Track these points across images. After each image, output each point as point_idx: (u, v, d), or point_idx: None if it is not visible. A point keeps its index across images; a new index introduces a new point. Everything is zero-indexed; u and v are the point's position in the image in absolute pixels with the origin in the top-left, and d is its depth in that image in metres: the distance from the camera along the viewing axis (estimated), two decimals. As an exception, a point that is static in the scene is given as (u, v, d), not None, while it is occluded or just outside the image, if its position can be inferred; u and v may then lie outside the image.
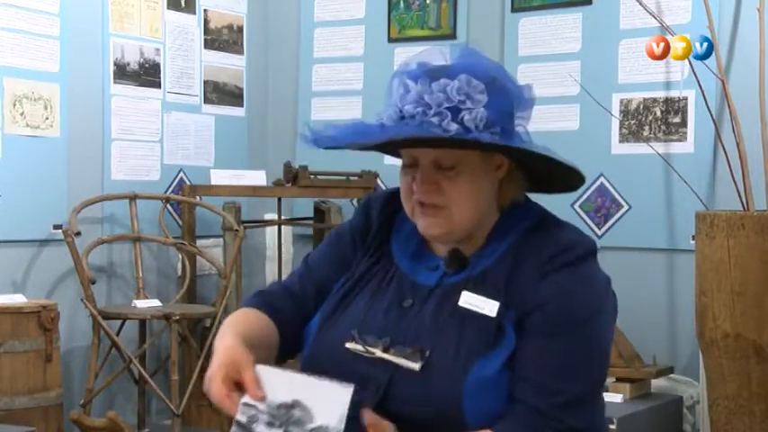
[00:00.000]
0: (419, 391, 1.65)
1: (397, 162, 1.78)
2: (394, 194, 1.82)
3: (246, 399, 1.58)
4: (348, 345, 1.72)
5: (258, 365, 1.62)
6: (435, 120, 1.62)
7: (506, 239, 1.72)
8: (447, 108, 1.62)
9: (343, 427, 1.55)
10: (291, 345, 1.83)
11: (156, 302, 4.31)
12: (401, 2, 4.97)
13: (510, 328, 1.65)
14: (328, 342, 1.75)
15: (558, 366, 1.63)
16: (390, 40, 4.99)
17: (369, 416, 1.60)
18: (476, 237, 1.75)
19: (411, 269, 1.78)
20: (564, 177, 1.76)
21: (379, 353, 1.68)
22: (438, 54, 1.71)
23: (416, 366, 1.65)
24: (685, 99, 4.28)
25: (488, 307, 1.66)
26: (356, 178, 4.70)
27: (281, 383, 1.59)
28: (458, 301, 1.69)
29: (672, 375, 4.21)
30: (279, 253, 4.85)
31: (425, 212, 1.71)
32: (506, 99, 1.68)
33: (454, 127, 1.62)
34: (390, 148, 1.81)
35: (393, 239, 1.83)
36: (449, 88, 1.63)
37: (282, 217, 4.87)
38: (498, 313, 1.65)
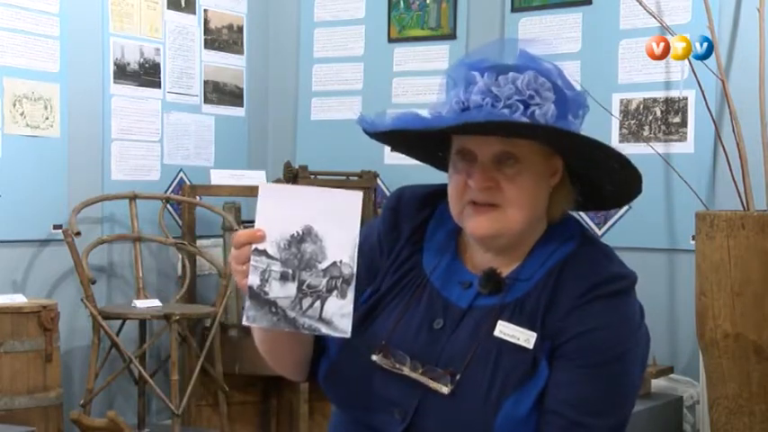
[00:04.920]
0: (448, 419, 1.60)
1: (398, 162, 1.77)
2: (426, 198, 1.75)
3: (257, 244, 1.56)
4: (375, 357, 1.66)
5: (264, 184, 1.59)
6: (506, 112, 1.55)
7: (545, 263, 1.66)
8: (518, 100, 1.56)
9: (355, 265, 1.54)
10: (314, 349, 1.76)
11: (156, 302, 4.31)
12: (401, 2, 4.97)
13: (544, 361, 1.60)
14: (354, 354, 1.68)
15: (587, 401, 1.60)
16: (390, 40, 4.99)
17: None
18: (518, 249, 1.68)
19: (442, 283, 1.71)
20: (616, 191, 1.70)
21: (407, 371, 1.63)
22: (495, 50, 1.65)
23: (445, 390, 1.60)
24: (685, 99, 4.28)
25: (524, 338, 1.61)
26: (356, 178, 4.70)
27: (291, 202, 1.55)
28: (492, 328, 1.62)
29: (672, 375, 4.20)
30: (279, 253, 4.84)
31: (478, 210, 1.63)
32: (571, 102, 1.63)
33: (525, 120, 1.55)
34: (431, 152, 1.73)
35: (425, 247, 1.75)
36: (519, 82, 1.57)
37: (282, 217, 4.87)
38: (534, 345, 1.60)
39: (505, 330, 1.62)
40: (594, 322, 1.60)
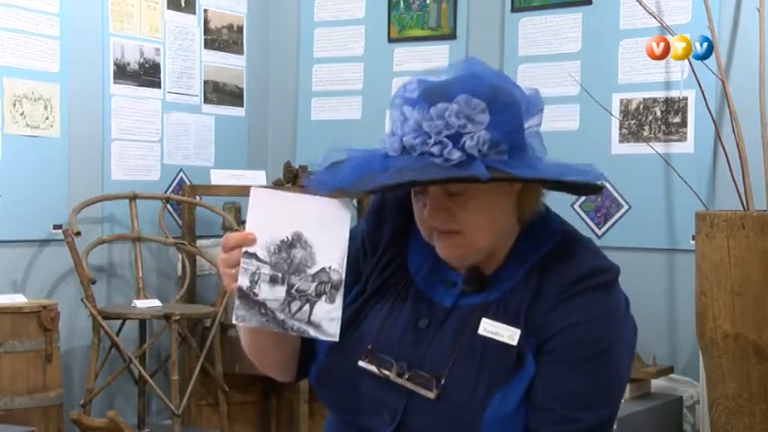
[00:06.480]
0: (436, 421, 1.61)
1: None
2: (410, 199, 1.73)
3: (247, 247, 1.58)
4: (362, 363, 1.67)
5: (255, 188, 1.61)
6: (436, 149, 1.56)
7: (527, 261, 1.67)
8: (447, 136, 1.56)
9: (344, 271, 1.57)
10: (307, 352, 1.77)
11: (156, 302, 4.31)
12: (401, 2, 4.97)
13: (530, 357, 1.61)
14: (342, 358, 1.69)
15: (575, 395, 1.60)
16: (390, 40, 4.99)
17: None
18: (496, 253, 1.69)
19: (427, 284, 1.72)
20: (580, 185, 1.69)
21: (392, 377, 1.64)
22: (439, 70, 1.64)
23: (431, 395, 1.61)
24: (685, 99, 4.28)
25: (508, 334, 1.62)
26: (356, 178, 4.69)
27: (282, 208, 1.58)
28: (476, 327, 1.64)
29: (672, 375, 4.21)
30: (279, 253, 4.84)
31: (441, 237, 1.65)
32: (513, 113, 1.61)
33: (456, 155, 1.55)
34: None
35: (409, 248, 1.76)
36: (447, 113, 1.56)
37: (282, 217, 4.86)
38: (519, 341, 1.61)
39: (489, 328, 1.63)
40: (579, 316, 1.61)
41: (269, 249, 1.58)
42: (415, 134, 1.58)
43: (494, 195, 1.63)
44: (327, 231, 1.57)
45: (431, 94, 1.59)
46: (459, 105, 1.57)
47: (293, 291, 1.57)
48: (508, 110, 1.60)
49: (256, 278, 1.57)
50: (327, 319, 1.57)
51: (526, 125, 1.63)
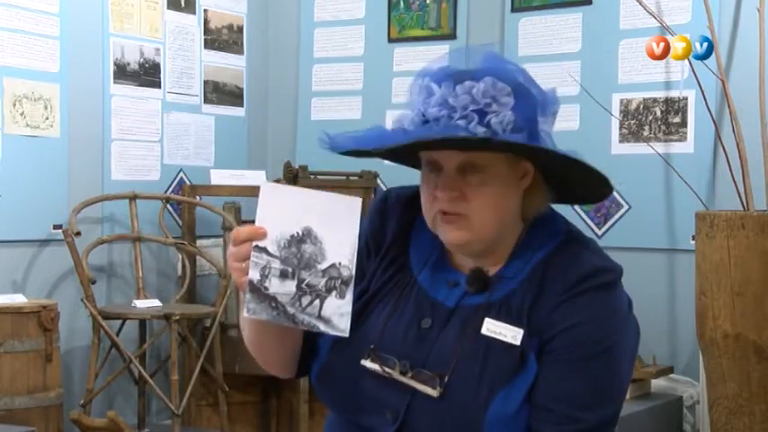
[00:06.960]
0: (438, 419, 1.61)
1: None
2: (412, 199, 1.75)
3: (258, 242, 1.58)
4: (364, 362, 1.67)
5: (266, 183, 1.61)
6: (462, 123, 1.56)
7: (530, 260, 1.67)
8: (473, 111, 1.57)
9: (354, 268, 1.57)
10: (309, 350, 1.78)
11: (156, 302, 4.31)
12: (401, 2, 4.97)
13: (532, 357, 1.61)
14: (344, 357, 1.69)
15: (577, 395, 1.60)
16: (390, 40, 4.99)
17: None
18: (499, 250, 1.69)
19: (430, 283, 1.72)
20: (589, 187, 1.70)
21: (396, 375, 1.65)
22: (460, 57, 1.67)
23: (435, 392, 1.61)
24: (685, 99, 4.28)
25: (511, 334, 1.62)
26: (356, 178, 4.70)
27: (292, 203, 1.58)
28: (479, 327, 1.64)
29: (672, 375, 4.21)
30: (279, 253, 4.83)
31: (447, 220, 1.65)
32: (532, 103, 1.63)
33: (481, 130, 1.56)
34: (408, 158, 1.74)
35: (412, 248, 1.76)
36: (474, 91, 1.57)
37: (282, 217, 4.86)
38: (522, 341, 1.61)
39: (492, 328, 1.63)
40: (581, 316, 1.61)
41: (279, 244, 1.58)
42: (440, 107, 1.59)
43: (505, 186, 1.64)
44: (337, 227, 1.57)
45: (457, 74, 1.61)
46: (486, 85, 1.58)
47: (303, 285, 1.58)
48: (529, 99, 1.62)
49: (267, 272, 1.58)
50: (338, 314, 1.58)
51: (540, 121, 1.65)
